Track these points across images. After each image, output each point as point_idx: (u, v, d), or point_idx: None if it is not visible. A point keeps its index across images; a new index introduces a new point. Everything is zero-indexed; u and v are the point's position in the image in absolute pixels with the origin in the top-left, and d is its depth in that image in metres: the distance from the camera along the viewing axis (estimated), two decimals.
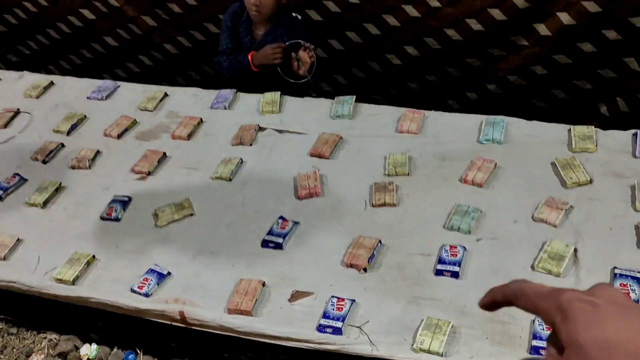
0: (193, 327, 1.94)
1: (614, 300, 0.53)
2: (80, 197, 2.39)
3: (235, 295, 1.91)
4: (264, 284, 1.95)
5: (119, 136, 2.67)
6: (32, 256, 2.16)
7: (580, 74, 2.83)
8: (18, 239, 2.22)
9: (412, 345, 1.72)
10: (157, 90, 2.92)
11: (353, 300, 1.85)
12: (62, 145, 2.65)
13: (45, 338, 2.22)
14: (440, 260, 1.93)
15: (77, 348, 2.18)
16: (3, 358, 2.21)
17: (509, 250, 1.95)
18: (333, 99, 2.69)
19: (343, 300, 1.85)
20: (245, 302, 1.88)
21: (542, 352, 1.65)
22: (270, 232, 2.11)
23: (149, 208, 2.29)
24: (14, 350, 2.20)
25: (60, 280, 2.04)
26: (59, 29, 3.70)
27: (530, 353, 1.67)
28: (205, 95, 2.84)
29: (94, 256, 2.12)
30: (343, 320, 1.79)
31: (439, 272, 1.91)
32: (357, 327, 1.79)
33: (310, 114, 2.64)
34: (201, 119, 2.68)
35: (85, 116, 2.81)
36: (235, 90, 2.81)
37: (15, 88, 3.08)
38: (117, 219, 2.26)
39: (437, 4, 2.82)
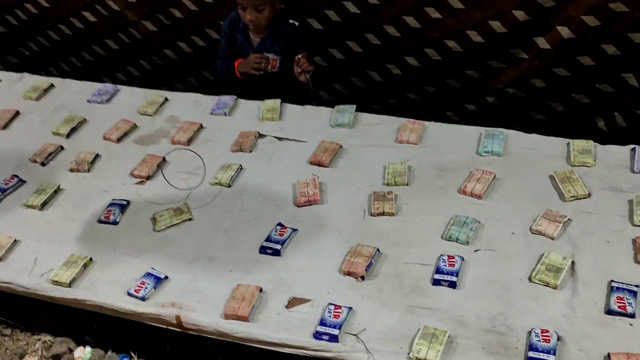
0: (189, 332, 1.93)
1: None
2: (78, 200, 2.39)
3: (232, 301, 1.91)
4: (261, 290, 1.95)
5: (119, 140, 2.67)
6: (29, 258, 2.15)
7: (579, 88, 2.85)
8: (15, 240, 2.21)
9: (409, 354, 1.71)
10: (157, 94, 2.92)
11: (350, 308, 1.85)
12: (62, 147, 2.65)
13: (39, 340, 2.21)
14: (438, 270, 1.93)
15: (71, 350, 2.17)
16: None
17: (506, 262, 1.96)
18: (333, 107, 2.70)
19: (340, 307, 1.85)
20: (242, 308, 1.88)
21: None
22: (268, 239, 2.12)
23: (147, 212, 2.29)
24: (7, 351, 2.19)
25: (56, 282, 2.03)
26: (60, 31, 3.70)
27: None
28: (206, 101, 2.84)
29: (90, 259, 2.11)
30: (340, 328, 1.79)
31: (436, 282, 1.91)
32: (354, 335, 1.79)
33: (311, 122, 2.65)
34: (201, 125, 2.68)
35: (85, 119, 2.81)
36: (236, 96, 2.82)
37: (15, 89, 3.08)
38: (115, 223, 2.26)
39: (438, 16, 2.83)
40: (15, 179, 2.48)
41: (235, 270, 2.04)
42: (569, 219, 2.05)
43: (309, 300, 1.91)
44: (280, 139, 2.59)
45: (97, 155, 2.58)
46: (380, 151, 2.45)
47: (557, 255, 1.92)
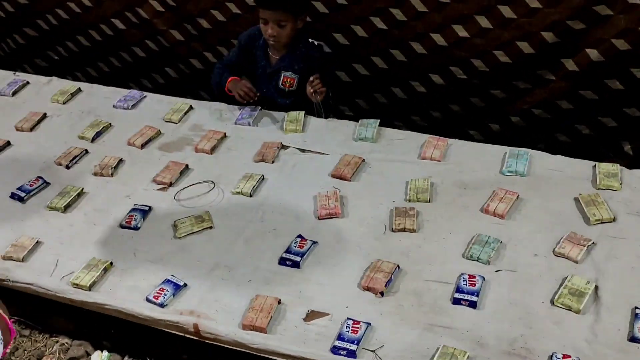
0: (206, 341, 1.93)
1: None
2: (101, 204, 2.40)
3: (251, 311, 1.90)
4: (279, 302, 1.94)
5: (143, 146, 2.69)
6: (51, 260, 2.17)
7: (606, 111, 2.82)
8: (37, 242, 2.23)
9: None
10: (182, 102, 2.94)
11: (369, 324, 1.84)
12: (86, 151, 2.68)
13: (57, 342, 2.22)
14: (458, 289, 1.91)
15: (88, 354, 2.17)
16: None
17: (528, 283, 1.93)
18: (356, 121, 2.70)
19: (358, 323, 1.84)
20: (260, 319, 1.87)
21: None
22: (288, 250, 2.11)
23: (168, 219, 2.30)
24: (25, 352, 2.20)
25: (77, 285, 2.05)
26: (90, 37, 3.75)
27: None
28: (230, 110, 2.86)
29: (111, 263, 2.12)
30: (358, 343, 1.78)
31: (456, 301, 1.89)
32: (372, 351, 1.78)
33: (334, 135, 2.66)
34: (225, 134, 2.69)
35: (110, 124, 2.84)
36: (260, 107, 2.83)
37: (43, 93, 3.12)
38: (136, 228, 2.27)
39: (465, 34, 2.83)
40: (40, 181, 2.50)
41: (254, 281, 2.04)
42: (593, 243, 2.03)
43: (327, 314, 1.90)
44: (303, 150, 2.59)
45: (120, 160, 2.60)
46: (403, 166, 2.45)
47: (580, 279, 1.89)
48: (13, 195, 2.45)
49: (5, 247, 2.21)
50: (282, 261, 2.09)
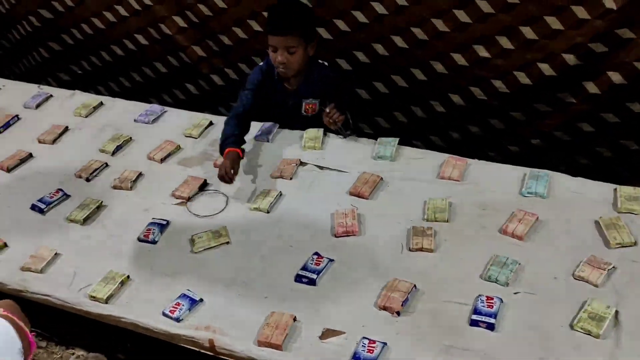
0: (221, 357, 1.92)
1: None
2: (119, 217, 2.42)
3: (266, 328, 1.90)
4: (295, 319, 1.93)
5: (162, 160, 2.71)
6: (69, 271, 2.18)
7: (627, 134, 2.80)
8: (56, 253, 2.25)
9: None
10: (202, 118, 2.97)
11: (385, 344, 1.82)
12: (106, 164, 2.70)
13: (73, 354, 2.23)
14: (476, 311, 1.89)
15: None
16: None
17: (547, 307, 1.91)
18: (375, 140, 2.71)
19: (374, 342, 1.82)
20: (276, 336, 1.87)
21: None
22: (304, 268, 2.11)
23: (186, 233, 2.31)
24: None
25: (94, 298, 2.06)
26: (112, 52, 3.80)
27: None
28: (251, 126, 2.87)
29: (128, 276, 2.13)
30: None
31: (474, 323, 1.87)
32: None
33: (352, 153, 2.66)
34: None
35: (130, 138, 2.87)
36: (279, 124, 2.84)
37: (66, 106, 3.16)
38: (154, 242, 2.28)
39: (486, 55, 2.83)
40: (60, 193, 2.53)
41: (271, 297, 2.03)
42: (613, 267, 2.00)
43: (343, 333, 1.89)
44: (321, 168, 2.60)
45: (140, 174, 2.62)
46: (421, 186, 2.44)
47: (600, 303, 1.87)
48: (33, 207, 2.47)
49: (25, 259, 2.23)
50: (299, 278, 2.08)
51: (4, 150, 2.82)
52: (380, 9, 2.92)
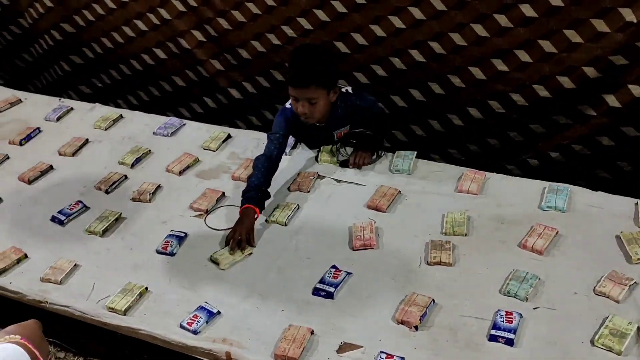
0: None
1: None
2: (138, 229, 2.44)
3: (283, 341, 1.89)
4: (312, 332, 1.93)
5: (181, 173, 2.72)
6: (88, 283, 2.20)
7: None
8: (75, 265, 2.26)
9: None
10: (221, 130, 2.99)
11: (402, 358, 1.81)
12: (126, 177, 2.72)
13: None
14: (495, 326, 1.87)
15: None
16: None
17: (567, 322, 1.89)
18: (392, 153, 2.70)
19: (392, 357, 1.81)
20: (293, 349, 1.86)
21: None
22: (322, 281, 2.10)
23: (204, 245, 2.32)
24: None
25: (112, 309, 2.07)
26: (132, 66, 3.84)
27: None
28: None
29: (146, 288, 2.14)
30: None
31: (492, 338, 1.85)
32: None
33: (370, 166, 2.66)
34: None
35: (149, 150, 2.89)
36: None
37: (86, 118, 3.20)
38: (172, 254, 2.29)
39: (505, 68, 2.82)
40: (80, 205, 2.55)
41: (288, 310, 2.03)
42: (635, 282, 1.97)
43: (360, 347, 1.88)
44: (338, 181, 2.60)
45: (158, 186, 2.64)
46: (439, 199, 2.43)
47: (621, 319, 1.84)
48: (53, 219, 2.50)
49: (45, 270, 2.24)
50: (316, 291, 2.08)
51: (26, 162, 2.86)
52: (398, 23, 2.92)
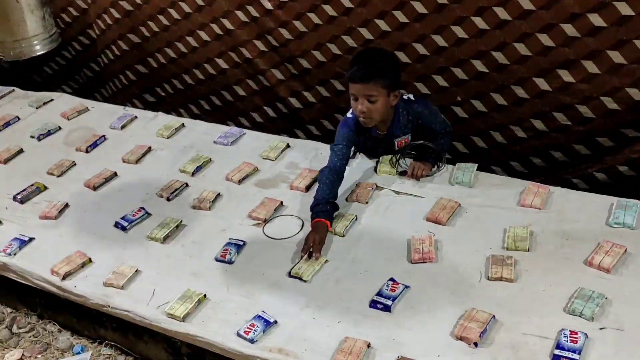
0: None
1: None
2: (197, 237, 2.47)
3: (340, 353, 1.88)
4: (369, 345, 1.91)
5: (240, 181, 2.75)
6: (148, 289, 2.24)
7: None
8: (137, 270, 2.31)
9: None
10: (280, 140, 3.01)
11: None
12: (187, 185, 2.77)
13: None
14: (559, 346, 1.81)
15: None
16: None
17: (636, 344, 1.81)
18: (453, 165, 2.66)
19: None
20: None
21: None
22: (379, 293, 2.08)
23: (262, 254, 2.33)
24: None
25: (171, 315, 2.09)
26: (194, 75, 3.91)
27: None
28: (326, 149, 2.87)
29: (205, 295, 2.16)
30: None
31: (556, 358, 1.79)
32: None
33: (429, 178, 2.62)
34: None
35: (210, 159, 2.93)
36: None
37: (149, 127, 3.28)
38: (230, 262, 2.31)
39: (571, 79, 2.74)
40: (142, 211, 2.60)
41: (344, 322, 2.01)
42: None
43: None
44: (397, 192, 2.57)
45: (218, 195, 2.67)
46: (501, 213, 2.38)
47: None
48: (117, 224, 2.56)
49: (108, 274, 2.30)
50: (373, 304, 2.06)
51: (91, 169, 2.95)
52: (460, 32, 2.89)
